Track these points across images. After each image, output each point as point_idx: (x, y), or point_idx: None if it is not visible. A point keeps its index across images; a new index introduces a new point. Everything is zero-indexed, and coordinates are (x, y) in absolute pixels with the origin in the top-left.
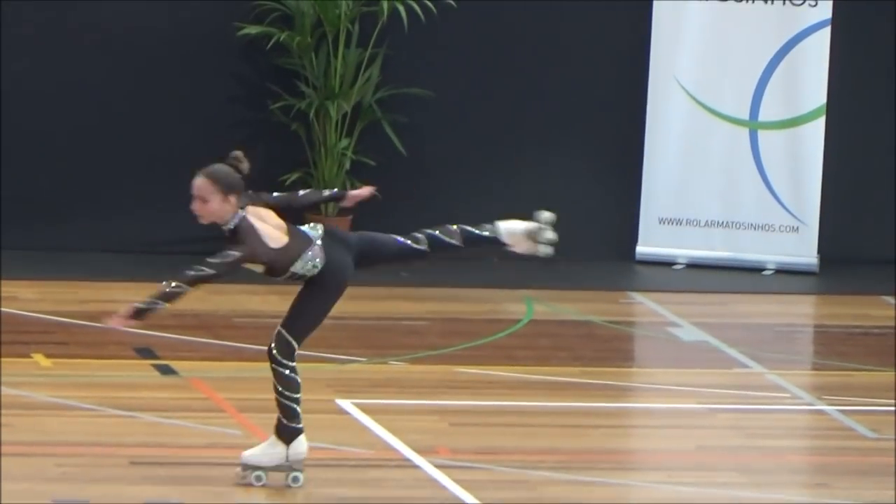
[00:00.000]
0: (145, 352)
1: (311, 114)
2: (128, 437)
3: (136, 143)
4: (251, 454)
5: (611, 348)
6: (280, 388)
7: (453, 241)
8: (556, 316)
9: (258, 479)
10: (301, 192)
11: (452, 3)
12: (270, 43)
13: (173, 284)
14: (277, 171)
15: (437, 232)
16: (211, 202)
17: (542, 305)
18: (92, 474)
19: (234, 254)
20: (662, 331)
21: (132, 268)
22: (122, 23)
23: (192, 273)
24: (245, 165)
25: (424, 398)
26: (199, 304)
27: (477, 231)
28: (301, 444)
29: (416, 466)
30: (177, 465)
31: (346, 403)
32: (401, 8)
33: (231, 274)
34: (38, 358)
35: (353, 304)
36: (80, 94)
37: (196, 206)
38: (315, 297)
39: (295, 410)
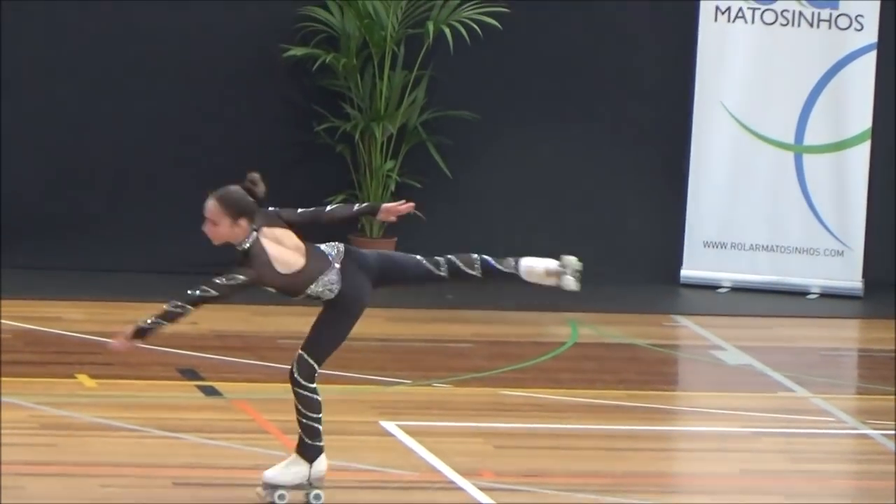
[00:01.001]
0: (189, 373)
1: (357, 135)
2: (172, 458)
3: (182, 164)
4: (273, 474)
5: (655, 371)
6: (302, 409)
7: (473, 272)
8: (600, 339)
9: (281, 497)
10: (329, 207)
11: (498, 25)
12: (316, 65)
13: (176, 304)
14: (322, 192)
15: (459, 261)
16: (220, 225)
17: (587, 328)
18: (136, 495)
19: (240, 277)
20: (707, 354)
21: (177, 288)
22: (168, 44)
23: (196, 293)
24: (261, 188)
25: (469, 420)
26: (243, 326)
27: (497, 265)
28: (322, 463)
29: (460, 489)
30: (220, 486)
31: (390, 425)
32: (446, 30)
33: (236, 295)
34: (83, 378)
35: (397, 326)
36: (127, 116)
37: (207, 228)
38: (335, 320)
39: (317, 430)
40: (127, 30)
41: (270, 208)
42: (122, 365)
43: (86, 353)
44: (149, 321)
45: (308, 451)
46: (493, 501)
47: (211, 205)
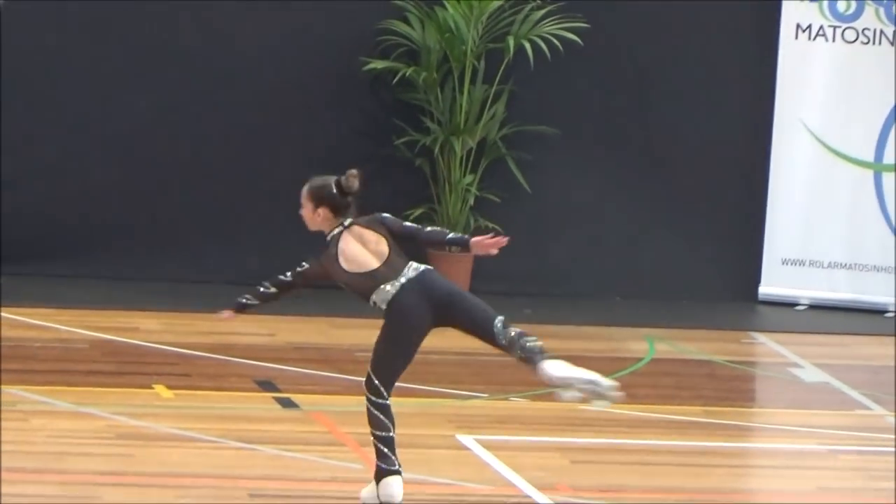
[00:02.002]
0: (267, 385)
1: (436, 149)
2: (248, 469)
3: (262, 176)
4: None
5: (732, 388)
6: (369, 424)
7: (521, 355)
8: (678, 355)
9: None
10: (428, 229)
11: (578, 40)
12: (396, 78)
13: (264, 284)
14: (402, 205)
15: (522, 345)
16: (305, 209)
17: (665, 344)
18: None
19: (305, 265)
20: (784, 371)
21: None
22: (249, 58)
23: (279, 277)
24: (352, 183)
25: (545, 435)
26: (321, 338)
27: (531, 353)
28: (390, 487)
29: (536, 503)
30: (297, 498)
31: (467, 439)
32: (527, 45)
33: (309, 282)
34: (160, 389)
35: (475, 340)
36: (205, 127)
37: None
38: (382, 333)
39: (379, 449)
40: (207, 42)
41: (384, 214)
42: (200, 376)
43: (163, 364)
44: (244, 299)
45: (376, 469)
46: None
47: (303, 189)
